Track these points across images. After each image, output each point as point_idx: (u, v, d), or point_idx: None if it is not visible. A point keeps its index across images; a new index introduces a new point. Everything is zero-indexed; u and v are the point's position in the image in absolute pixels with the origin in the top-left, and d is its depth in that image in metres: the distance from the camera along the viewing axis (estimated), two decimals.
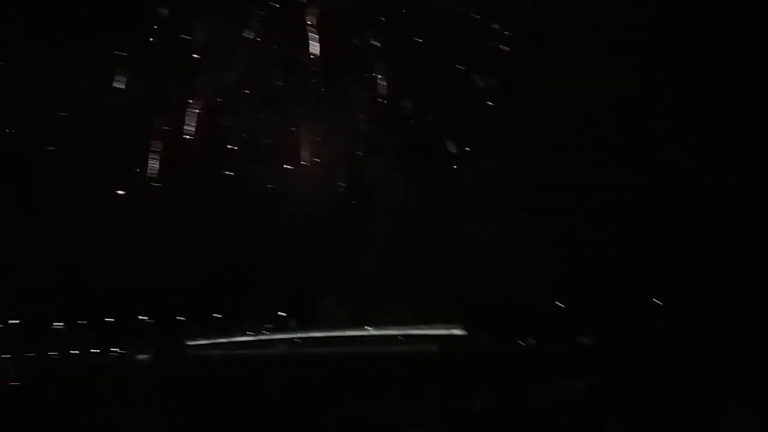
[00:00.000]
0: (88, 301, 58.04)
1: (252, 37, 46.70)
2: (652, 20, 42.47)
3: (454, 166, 54.06)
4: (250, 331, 73.74)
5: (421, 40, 50.96)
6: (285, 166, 53.73)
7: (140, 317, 67.62)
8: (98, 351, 64.99)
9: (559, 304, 55.79)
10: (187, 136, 51.70)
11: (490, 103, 52.66)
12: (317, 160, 51.40)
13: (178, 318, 68.32)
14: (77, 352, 61.89)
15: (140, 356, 68.28)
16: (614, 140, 50.09)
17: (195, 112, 50.00)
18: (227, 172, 52.15)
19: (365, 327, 70.78)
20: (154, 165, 49.72)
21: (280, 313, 73.92)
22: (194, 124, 51.17)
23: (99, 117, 44.85)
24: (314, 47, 52.31)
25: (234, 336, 72.21)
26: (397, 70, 52.86)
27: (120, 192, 48.06)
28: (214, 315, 70.31)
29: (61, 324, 62.07)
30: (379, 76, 56.89)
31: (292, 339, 73.32)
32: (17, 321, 56.49)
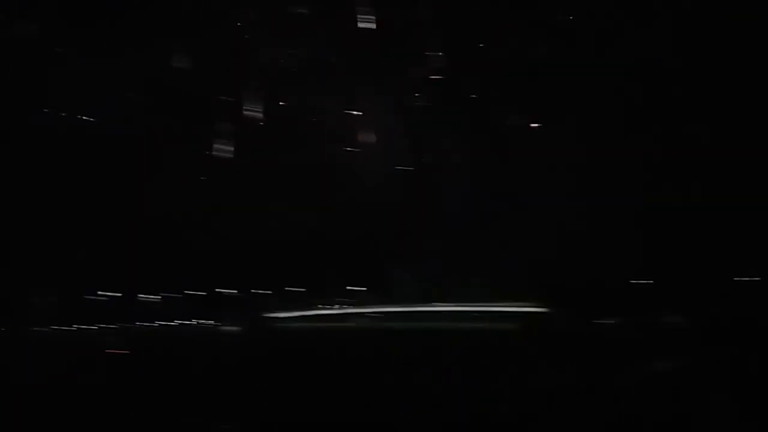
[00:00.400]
0: (174, 275, 60.89)
1: (305, 13, 47.70)
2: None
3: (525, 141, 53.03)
4: (328, 304, 75.20)
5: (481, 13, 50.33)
6: (351, 142, 54.76)
7: (223, 290, 70.40)
8: (186, 322, 68.21)
9: (645, 281, 53.39)
10: (251, 115, 53.51)
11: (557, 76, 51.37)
12: (380, 137, 51.91)
13: (259, 291, 70.60)
14: (166, 323, 65.22)
15: (226, 328, 71.16)
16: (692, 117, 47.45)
17: (253, 93, 51.60)
18: (294, 152, 53.83)
19: (442, 303, 70.52)
20: (221, 146, 51.78)
21: (357, 288, 75.01)
22: (254, 106, 52.75)
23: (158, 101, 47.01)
24: (369, 22, 52.61)
25: (313, 309, 73.94)
26: (458, 44, 52.42)
27: (197, 173, 50.69)
28: (295, 289, 72.11)
29: (150, 296, 65.39)
30: (439, 53, 56.32)
31: (369, 313, 74.28)
32: (114, 293, 60.26)
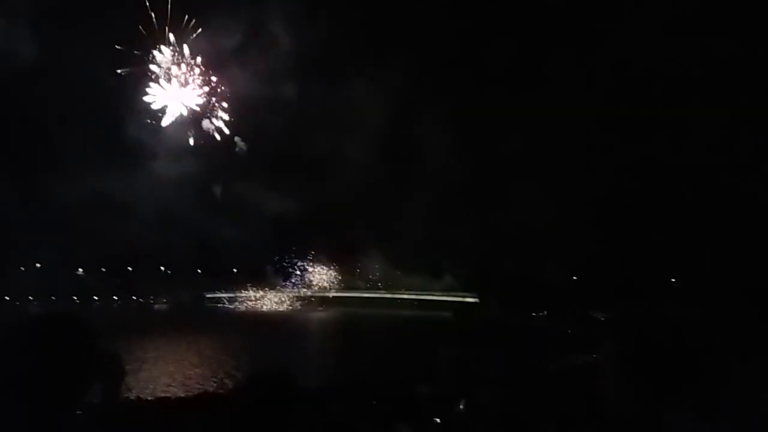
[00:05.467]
0: (113, 254, 60.74)
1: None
2: None
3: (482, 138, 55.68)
4: (266, 286, 75.66)
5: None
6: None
7: (161, 269, 70.22)
8: (119, 298, 67.73)
9: (574, 278, 56.18)
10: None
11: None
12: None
13: (196, 271, 70.65)
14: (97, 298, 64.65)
15: (159, 305, 70.67)
16: (642, 122, 50.18)
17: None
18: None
19: (381, 290, 72.13)
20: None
21: (296, 272, 75.95)
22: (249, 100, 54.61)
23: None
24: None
25: (251, 290, 74.20)
26: (443, 39, 55.01)
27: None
28: (232, 270, 72.42)
29: (83, 272, 64.79)
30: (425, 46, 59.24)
31: (309, 297, 75.09)
32: (40, 265, 59.35)
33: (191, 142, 58.38)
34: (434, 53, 57.23)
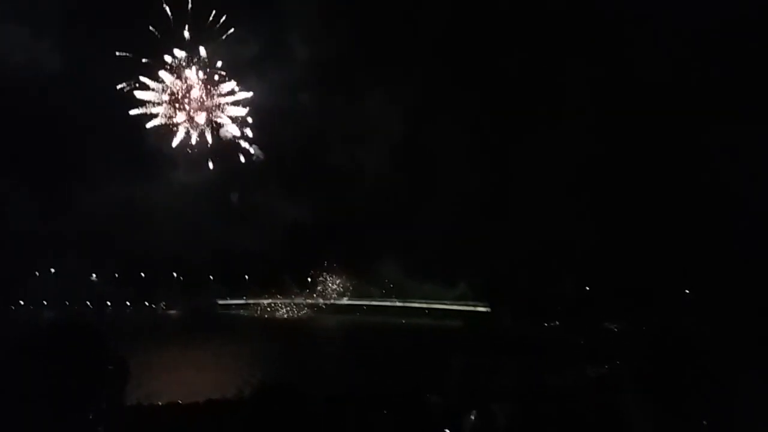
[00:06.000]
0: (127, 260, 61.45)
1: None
2: None
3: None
4: (278, 294, 75.70)
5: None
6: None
7: (174, 275, 70.73)
8: (132, 305, 68.26)
9: (587, 288, 55.68)
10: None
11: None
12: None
13: (209, 277, 71.04)
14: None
15: (171, 311, 71.04)
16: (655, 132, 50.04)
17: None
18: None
19: (392, 298, 71.82)
20: None
21: (308, 279, 75.86)
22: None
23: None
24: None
25: (263, 298, 74.20)
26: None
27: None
28: (244, 277, 72.64)
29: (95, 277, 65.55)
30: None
31: (318, 305, 74.96)
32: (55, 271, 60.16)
33: (208, 147, 59.28)
34: (452, 63, 57.46)
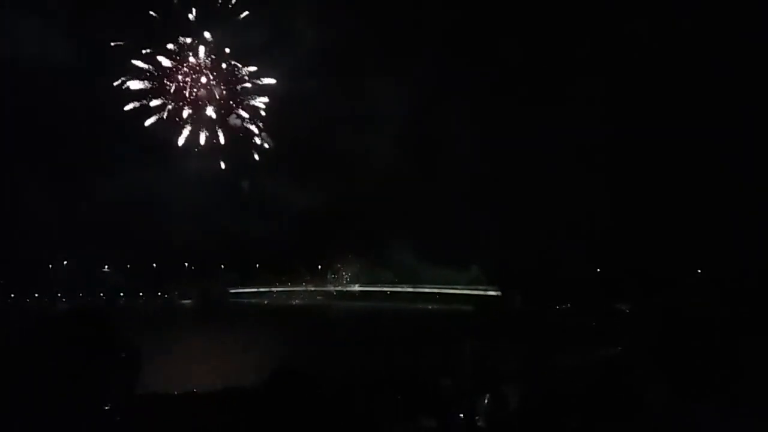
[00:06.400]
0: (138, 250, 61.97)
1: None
2: None
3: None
4: (289, 282, 76.07)
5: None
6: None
7: (186, 265, 71.34)
8: (144, 295, 68.97)
9: (597, 270, 55.60)
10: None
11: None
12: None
13: (220, 266, 71.54)
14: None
15: (183, 300, 71.69)
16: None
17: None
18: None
19: (403, 284, 72.15)
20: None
21: (319, 267, 76.26)
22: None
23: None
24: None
25: (274, 286, 74.67)
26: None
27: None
28: (255, 265, 73.11)
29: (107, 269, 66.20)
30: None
31: (330, 291, 75.32)
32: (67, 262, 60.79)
33: (219, 137, 59.00)
34: (458, 49, 57.20)
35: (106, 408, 1.94)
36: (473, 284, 65.12)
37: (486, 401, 6.92)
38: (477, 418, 6.78)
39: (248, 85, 58.59)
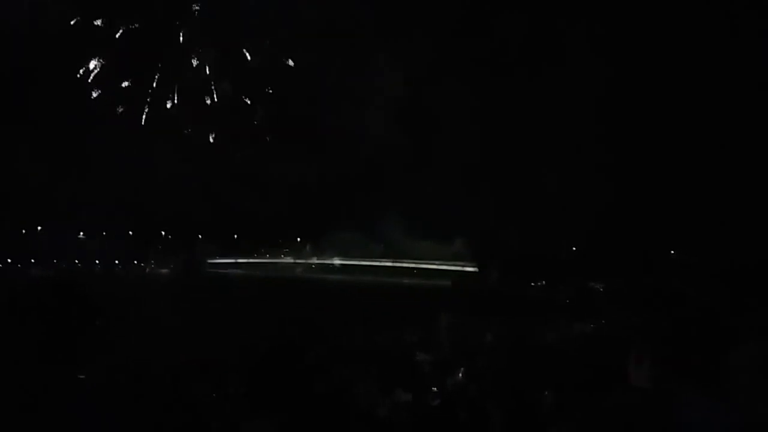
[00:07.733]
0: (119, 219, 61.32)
1: None
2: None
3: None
4: (268, 253, 75.98)
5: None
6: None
7: (163, 234, 70.78)
8: (120, 263, 68.36)
9: (573, 248, 56.42)
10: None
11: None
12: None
13: (199, 237, 71.16)
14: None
15: (159, 270, 71.29)
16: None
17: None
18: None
19: (382, 258, 72.63)
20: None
21: (299, 239, 76.27)
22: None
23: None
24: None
25: (253, 257, 74.57)
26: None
27: None
28: (233, 236, 72.84)
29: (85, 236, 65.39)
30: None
31: (309, 264, 75.48)
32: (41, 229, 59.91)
33: (206, 103, 57.90)
34: (451, 27, 56.69)
35: (81, 377, 1.92)
36: (451, 260, 65.79)
37: (461, 375, 7.03)
38: (452, 392, 6.89)
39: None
